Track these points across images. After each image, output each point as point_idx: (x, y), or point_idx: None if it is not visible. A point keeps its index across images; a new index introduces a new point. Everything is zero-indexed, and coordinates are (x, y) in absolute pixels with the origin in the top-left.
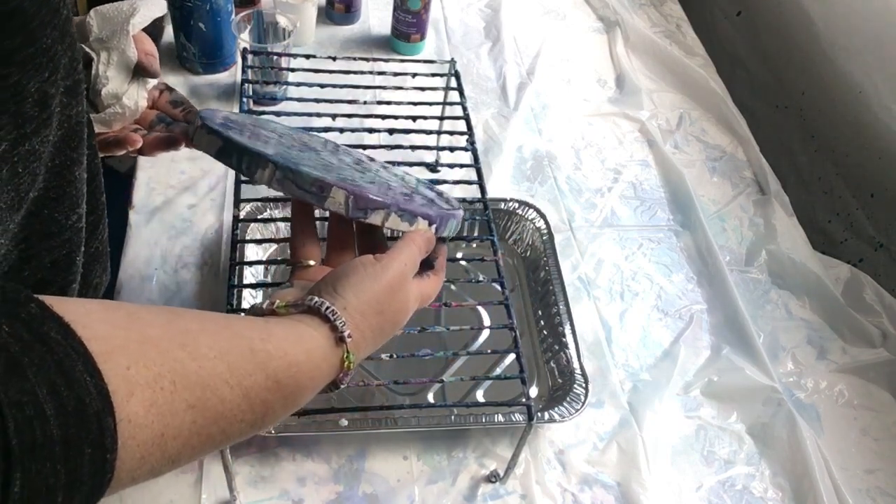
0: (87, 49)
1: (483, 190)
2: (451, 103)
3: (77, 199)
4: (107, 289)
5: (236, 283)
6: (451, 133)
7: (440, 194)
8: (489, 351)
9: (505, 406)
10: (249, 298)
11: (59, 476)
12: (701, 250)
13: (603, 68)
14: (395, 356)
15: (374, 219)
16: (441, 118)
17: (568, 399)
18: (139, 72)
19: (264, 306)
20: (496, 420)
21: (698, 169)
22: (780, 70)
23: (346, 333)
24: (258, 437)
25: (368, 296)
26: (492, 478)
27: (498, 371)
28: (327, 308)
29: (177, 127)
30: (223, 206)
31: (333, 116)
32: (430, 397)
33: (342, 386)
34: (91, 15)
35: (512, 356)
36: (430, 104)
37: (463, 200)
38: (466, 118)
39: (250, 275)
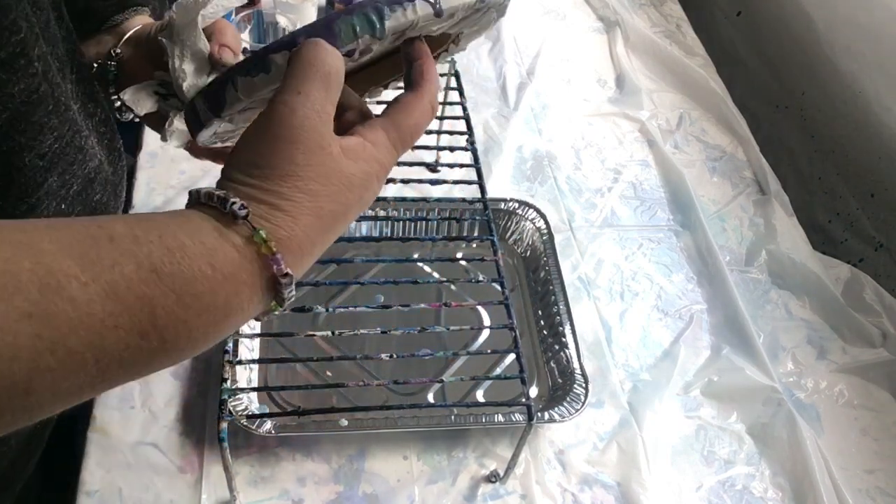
0: (166, 42)
1: (483, 190)
2: (451, 103)
3: (28, 188)
4: None
5: None
6: (451, 133)
7: None
8: (489, 351)
9: (505, 406)
10: None
11: None
12: (701, 250)
13: (603, 68)
14: (395, 356)
15: (232, 101)
16: (441, 118)
17: (568, 399)
18: (217, 65)
19: None
20: (496, 420)
21: (698, 169)
22: (780, 70)
23: (235, 205)
24: (258, 437)
25: (250, 157)
26: (492, 478)
27: (498, 371)
28: (203, 192)
29: None
30: None
31: None
32: (430, 397)
33: (289, 276)
34: (174, 7)
35: (512, 356)
36: None
37: (463, 200)
38: (466, 118)
39: None
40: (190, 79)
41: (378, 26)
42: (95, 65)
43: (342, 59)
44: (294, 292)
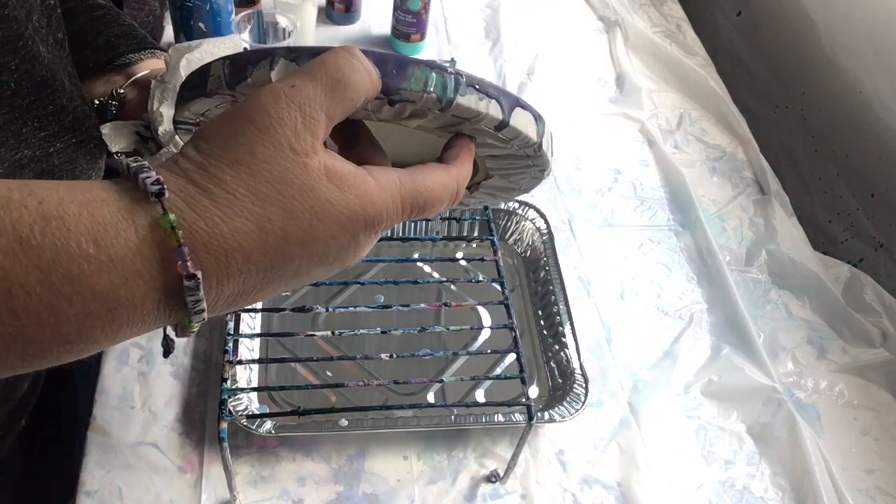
0: (153, 84)
1: None
2: None
3: None
4: None
5: None
6: None
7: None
8: (489, 351)
9: (505, 406)
10: None
11: None
12: (701, 250)
13: (603, 68)
14: (395, 356)
15: (260, 76)
16: None
17: (568, 399)
18: None
19: None
20: (496, 420)
21: (698, 169)
22: (780, 70)
23: (148, 179)
24: (258, 437)
25: (208, 131)
26: (492, 478)
27: (498, 371)
28: (124, 161)
29: None
30: None
31: None
32: (430, 397)
33: (195, 279)
34: (170, 51)
35: (512, 356)
36: None
37: None
38: None
39: None
40: (167, 123)
41: (450, 95)
42: (97, 101)
43: (367, 79)
44: (204, 305)
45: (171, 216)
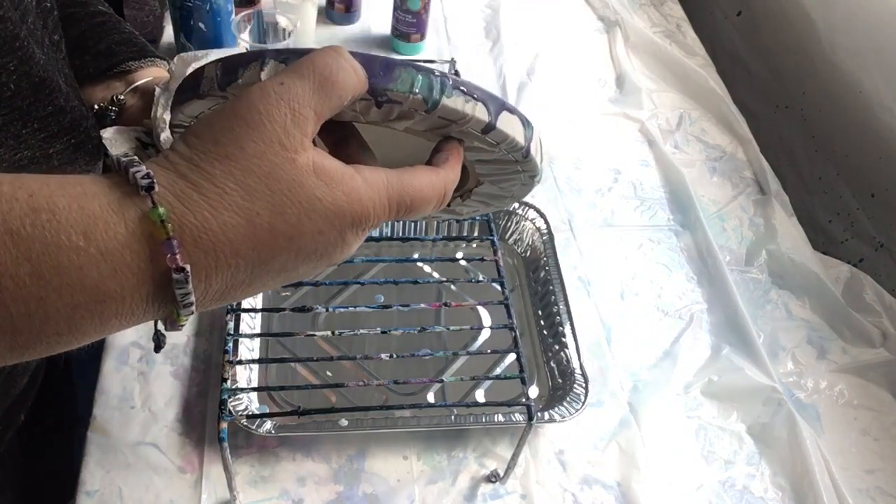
0: (157, 90)
1: None
2: None
3: None
4: None
5: None
6: None
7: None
8: (489, 351)
9: (505, 406)
10: (249, 298)
11: None
12: (701, 250)
13: (603, 68)
14: (395, 356)
15: (251, 77)
16: None
17: (568, 399)
18: None
19: None
20: (496, 420)
21: (698, 169)
22: (780, 70)
23: (138, 174)
24: (258, 437)
25: (199, 128)
26: (492, 478)
27: (498, 371)
28: (114, 156)
29: None
30: None
31: None
32: (430, 397)
33: (184, 272)
34: (175, 59)
35: (512, 356)
36: None
37: None
38: None
39: None
40: (168, 130)
41: (436, 97)
42: (97, 106)
43: (354, 77)
44: (192, 299)
45: (161, 210)
